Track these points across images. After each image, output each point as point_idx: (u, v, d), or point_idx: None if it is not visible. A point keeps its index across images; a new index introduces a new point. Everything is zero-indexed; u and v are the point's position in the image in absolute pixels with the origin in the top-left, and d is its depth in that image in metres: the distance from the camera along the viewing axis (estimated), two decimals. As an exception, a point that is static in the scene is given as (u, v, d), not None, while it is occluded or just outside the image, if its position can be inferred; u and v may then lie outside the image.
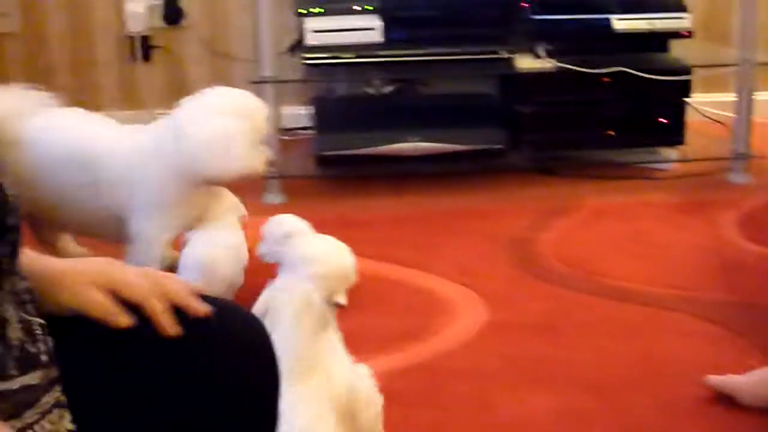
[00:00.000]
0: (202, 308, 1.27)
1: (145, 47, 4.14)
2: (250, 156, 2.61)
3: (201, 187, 2.67)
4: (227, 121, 2.60)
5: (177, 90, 4.15)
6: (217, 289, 2.53)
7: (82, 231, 2.87)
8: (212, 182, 2.66)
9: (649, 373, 2.44)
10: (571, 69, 3.54)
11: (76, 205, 2.72)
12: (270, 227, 2.72)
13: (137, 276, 1.28)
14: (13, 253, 1.14)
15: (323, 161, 3.59)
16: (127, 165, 2.68)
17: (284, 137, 3.77)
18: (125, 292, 1.25)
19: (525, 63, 3.60)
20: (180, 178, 2.64)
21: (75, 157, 2.69)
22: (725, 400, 2.28)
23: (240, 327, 1.30)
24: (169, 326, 1.25)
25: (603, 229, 3.23)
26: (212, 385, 1.25)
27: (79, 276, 1.26)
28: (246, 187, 3.52)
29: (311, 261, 2.58)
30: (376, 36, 3.59)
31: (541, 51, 3.62)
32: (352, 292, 2.83)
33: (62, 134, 2.72)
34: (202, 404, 1.25)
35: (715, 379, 2.32)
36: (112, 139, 2.74)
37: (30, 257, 1.23)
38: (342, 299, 2.57)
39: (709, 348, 2.55)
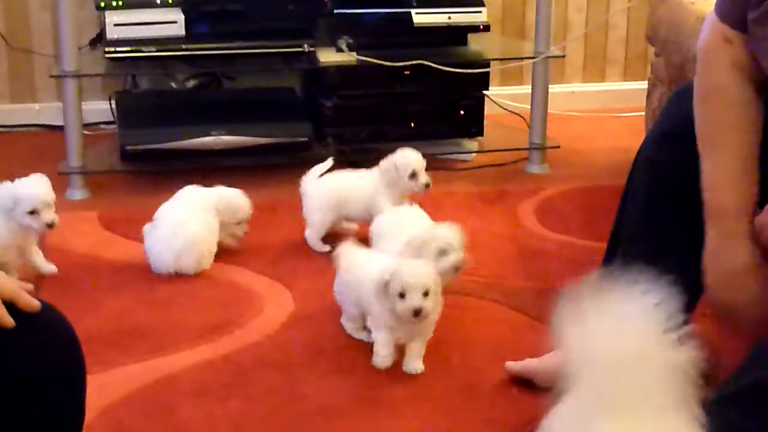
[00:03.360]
0: (33, 303, 1.27)
1: (-60, 42, 4.03)
2: None
3: None
4: None
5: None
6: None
7: None
8: None
9: (453, 360, 2.51)
10: (373, 62, 3.59)
11: None
12: None
13: None
14: None
15: (127, 156, 3.55)
16: None
17: (87, 132, 3.72)
18: None
19: (327, 57, 3.63)
20: None
21: None
22: (525, 382, 2.36)
23: (55, 322, 1.31)
24: (2, 317, 1.24)
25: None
26: (29, 374, 1.26)
27: None
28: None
29: None
30: (179, 29, 3.57)
31: (343, 45, 3.65)
32: (160, 288, 2.83)
33: None
34: (15, 393, 1.25)
35: (514, 365, 2.41)
36: None
37: None
38: None
39: (510, 333, 2.63)
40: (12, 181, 2.84)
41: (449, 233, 2.62)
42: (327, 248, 3.07)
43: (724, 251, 2.02)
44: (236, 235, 3.09)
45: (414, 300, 2.36)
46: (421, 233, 2.65)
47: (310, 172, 3.15)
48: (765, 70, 2.01)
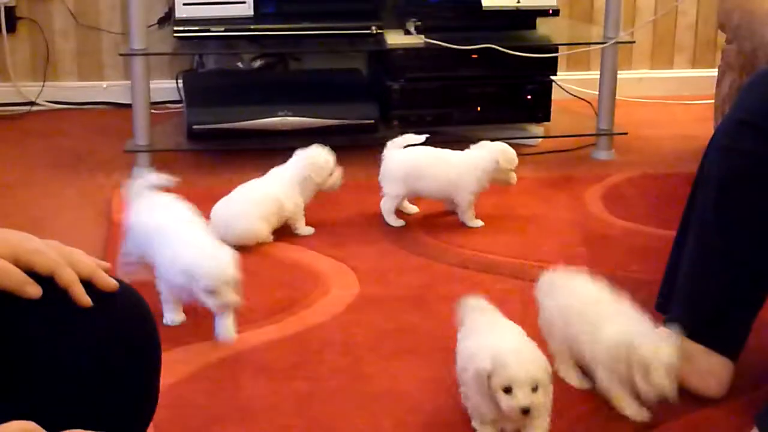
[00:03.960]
0: (110, 282, 1.27)
1: (11, 18, 4.06)
2: None
3: None
4: None
5: (43, 63, 4.09)
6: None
7: None
8: None
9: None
10: (440, 45, 3.57)
11: None
12: None
13: (46, 247, 1.27)
14: None
15: (194, 135, 3.57)
16: None
17: (154, 111, 3.74)
18: (35, 261, 1.24)
19: (395, 39, 3.62)
20: None
21: None
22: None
23: (132, 301, 1.32)
24: (82, 296, 1.24)
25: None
26: (107, 356, 1.26)
27: None
28: (116, 161, 3.52)
29: None
30: (247, 9, 3.58)
31: (410, 27, 3.65)
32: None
33: None
34: (92, 374, 1.25)
35: None
36: None
37: None
38: None
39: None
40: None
41: None
42: (400, 223, 3.09)
43: None
44: (334, 188, 3.12)
45: (521, 398, 1.99)
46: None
47: (396, 139, 3.15)
48: None
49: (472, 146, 3.15)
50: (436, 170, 3.11)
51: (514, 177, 3.11)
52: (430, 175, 3.11)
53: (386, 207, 3.13)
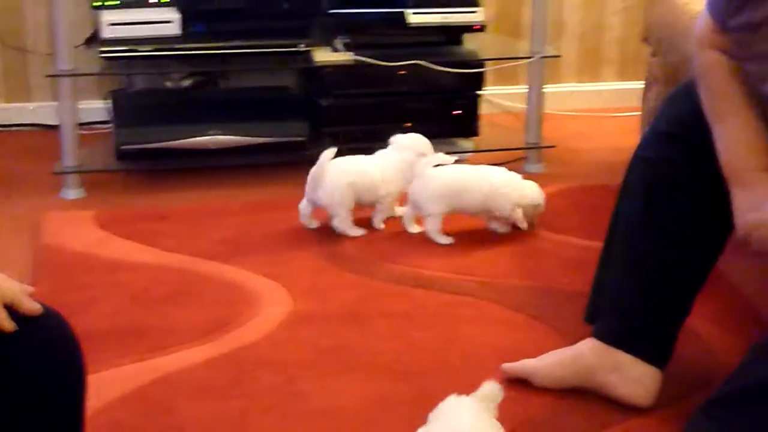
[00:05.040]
0: (34, 306, 1.27)
1: (-66, 40, 4.01)
2: None
3: None
4: None
5: (-32, 84, 4.05)
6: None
7: None
8: None
9: (453, 359, 2.50)
10: (368, 62, 3.58)
11: None
12: None
13: None
14: None
15: (123, 155, 3.55)
16: None
17: (83, 131, 3.71)
18: None
19: (323, 56, 3.63)
20: None
21: None
22: (523, 382, 2.36)
23: (56, 325, 1.31)
24: (4, 321, 1.23)
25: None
26: (30, 377, 1.25)
27: None
28: (44, 183, 3.49)
29: None
30: (174, 29, 3.56)
31: (339, 44, 3.66)
32: (156, 288, 2.83)
33: None
34: (17, 397, 1.24)
35: (510, 366, 2.40)
36: None
37: None
38: None
39: (508, 333, 2.63)
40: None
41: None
42: (449, 240, 3.15)
43: (749, 198, 2.04)
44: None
45: None
46: None
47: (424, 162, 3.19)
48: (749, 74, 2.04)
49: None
50: (473, 184, 3.18)
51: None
52: (470, 190, 3.17)
53: (434, 228, 3.16)
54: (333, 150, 3.14)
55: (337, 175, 3.15)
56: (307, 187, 3.18)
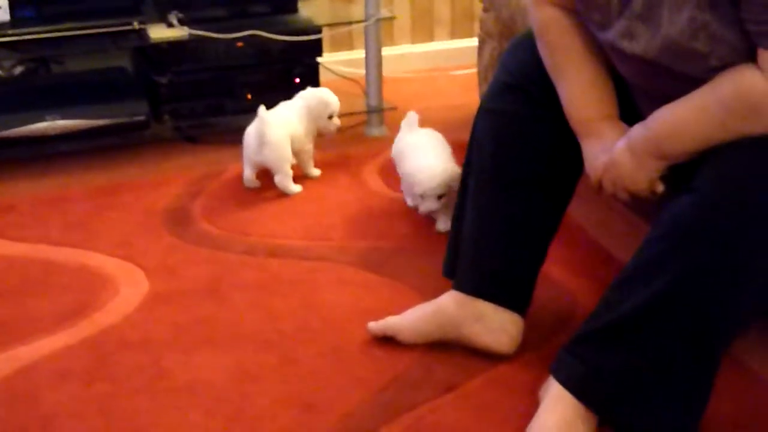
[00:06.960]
0: None
1: None
2: None
3: None
4: None
5: None
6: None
7: None
8: None
9: (315, 324, 2.52)
10: (204, 36, 3.56)
11: None
12: None
13: None
14: None
15: (-41, 148, 3.46)
16: None
17: None
18: None
19: (158, 33, 3.59)
20: None
21: None
22: (388, 341, 2.40)
23: None
24: None
25: (253, 190, 3.28)
26: None
27: None
28: None
29: None
30: (3, 15, 3.48)
31: (173, 20, 3.62)
32: (9, 278, 2.78)
33: None
34: None
35: (376, 325, 2.43)
36: None
37: None
38: None
39: (367, 294, 2.66)
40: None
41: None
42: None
43: (598, 145, 2.11)
44: (329, 129, 3.37)
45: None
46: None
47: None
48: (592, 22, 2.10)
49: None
50: None
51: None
52: None
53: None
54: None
55: (279, 129, 3.20)
56: (247, 150, 3.22)
